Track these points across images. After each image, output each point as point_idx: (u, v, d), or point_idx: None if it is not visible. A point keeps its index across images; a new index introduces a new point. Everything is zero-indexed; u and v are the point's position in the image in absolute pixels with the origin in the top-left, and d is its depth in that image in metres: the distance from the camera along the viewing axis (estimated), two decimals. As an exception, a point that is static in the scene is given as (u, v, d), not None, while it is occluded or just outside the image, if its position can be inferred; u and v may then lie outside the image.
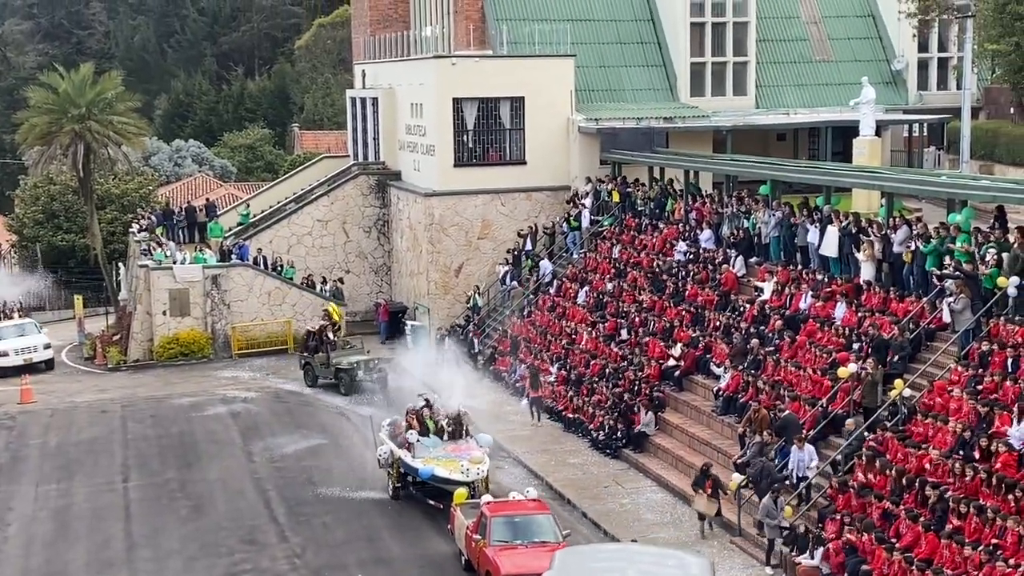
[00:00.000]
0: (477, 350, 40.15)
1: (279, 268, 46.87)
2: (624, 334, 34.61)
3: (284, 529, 26.67)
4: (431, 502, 26.61)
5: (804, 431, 24.89)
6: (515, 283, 42.36)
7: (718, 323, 31.58)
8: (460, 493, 25.27)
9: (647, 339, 33.23)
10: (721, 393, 29.01)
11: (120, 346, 45.60)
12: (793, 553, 22.31)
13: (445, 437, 27.72)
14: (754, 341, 29.22)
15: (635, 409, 30.81)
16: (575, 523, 26.08)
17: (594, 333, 35.76)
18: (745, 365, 28.86)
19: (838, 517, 22.07)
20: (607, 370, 33.37)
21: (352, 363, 37.92)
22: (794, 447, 24.33)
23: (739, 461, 25.96)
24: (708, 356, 30.84)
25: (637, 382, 31.59)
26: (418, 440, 27.37)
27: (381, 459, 28.03)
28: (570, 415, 33.08)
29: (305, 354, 39.82)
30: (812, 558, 21.87)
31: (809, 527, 22.51)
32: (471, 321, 42.29)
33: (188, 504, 28.60)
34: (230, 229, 49.63)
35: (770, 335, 29.30)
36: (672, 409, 30.82)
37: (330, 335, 39.08)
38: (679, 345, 31.77)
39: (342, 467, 30.98)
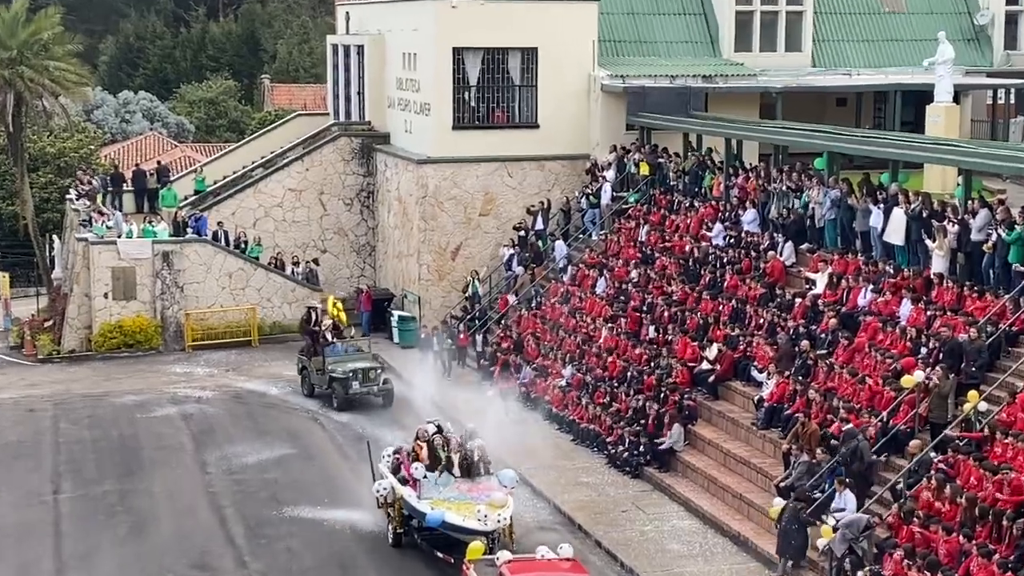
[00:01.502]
0: (480, 349, 40.18)
1: (243, 245, 46.95)
2: (650, 332, 34.64)
3: (242, 553, 26.75)
4: (439, 555, 25.19)
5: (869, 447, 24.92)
6: (520, 268, 42.41)
7: (761, 320, 31.59)
8: (475, 548, 23.50)
9: (677, 338, 33.27)
10: (763, 403, 29.04)
11: (53, 334, 45.70)
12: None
13: (458, 472, 26.39)
14: (804, 343, 29.27)
15: (661, 421, 30.88)
16: (587, 553, 26.17)
17: (615, 330, 35.81)
18: (792, 371, 28.87)
19: (899, 552, 22.12)
20: (629, 374, 33.44)
21: (348, 372, 36.77)
22: (836, 487, 24.41)
23: (782, 484, 26.02)
24: (749, 359, 30.88)
25: (664, 389, 31.65)
26: (425, 476, 26.04)
27: (380, 497, 26.77)
28: (584, 426, 33.16)
29: (302, 356, 38.92)
30: (866, 600, 21.94)
31: (866, 562, 22.56)
32: (469, 313, 42.34)
33: (129, 521, 28.70)
34: (186, 198, 49.65)
35: (823, 336, 29.33)
36: (705, 421, 30.82)
37: (328, 335, 38.18)
38: (715, 346, 31.81)
39: (313, 482, 31.07)
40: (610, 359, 34.58)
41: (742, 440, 29.36)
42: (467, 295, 43.10)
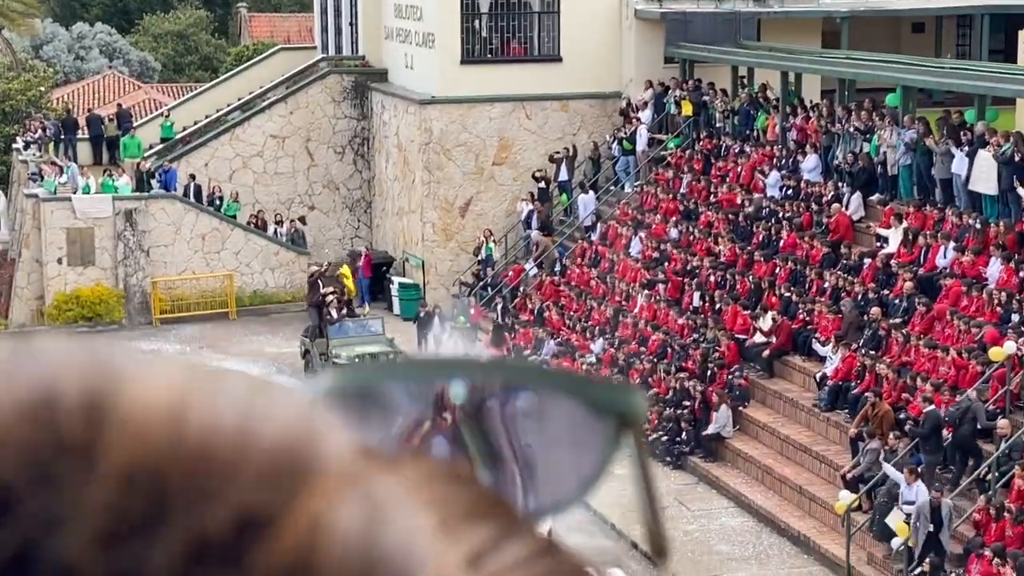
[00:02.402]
0: (497, 322, 39.90)
1: (217, 202, 47.05)
2: (694, 299, 34.68)
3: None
4: None
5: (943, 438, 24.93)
6: (536, 232, 42.36)
7: (824, 285, 31.63)
8: None
9: (725, 306, 33.29)
10: (827, 381, 29.08)
11: (-2, 306, 45.96)
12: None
13: None
14: (874, 310, 29.28)
15: (707, 402, 30.96)
16: (621, 556, 26.24)
17: (652, 297, 35.82)
18: (861, 343, 28.90)
19: (987, 552, 22.13)
20: (669, 349, 33.50)
21: (352, 358, 35.87)
22: (903, 479, 24.47)
23: (850, 475, 26.06)
24: (809, 330, 30.89)
25: (710, 365, 31.71)
26: None
27: None
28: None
29: (305, 337, 38.33)
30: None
31: (949, 566, 22.62)
32: (481, 280, 42.34)
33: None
34: (151, 147, 49.71)
35: (896, 302, 29.34)
36: (758, 402, 30.92)
37: (332, 312, 37.54)
38: (770, 315, 31.85)
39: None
40: (647, 332, 34.63)
41: (802, 424, 29.42)
42: (479, 259, 43.10)
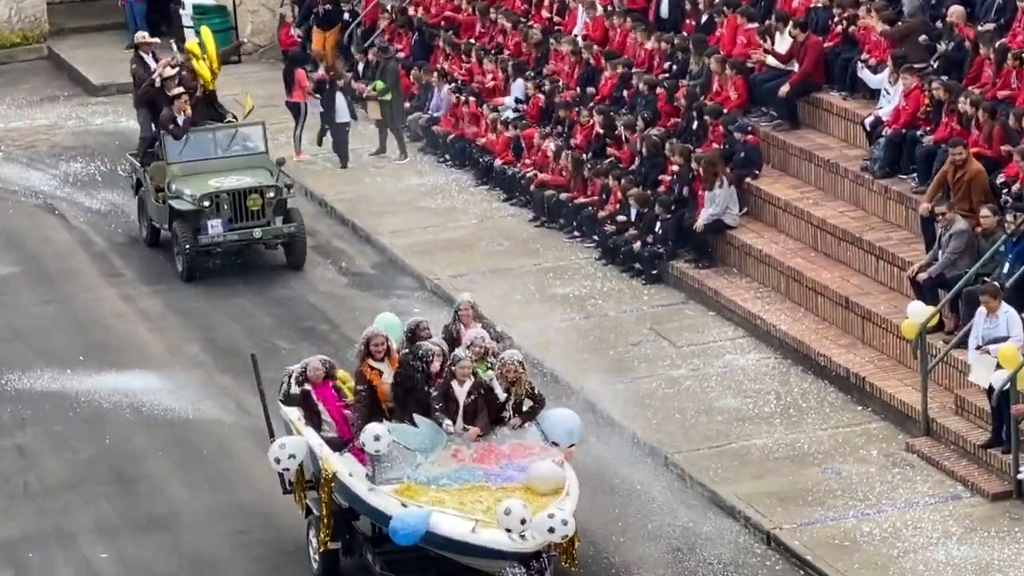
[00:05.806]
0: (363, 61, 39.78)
1: None
2: (663, 8, 34.97)
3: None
4: None
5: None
6: None
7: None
8: None
9: (718, 17, 33.57)
10: (882, 130, 29.31)
11: None
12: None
13: (459, 422, 22.74)
14: (953, 10, 29.29)
15: (693, 173, 31.16)
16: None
17: (600, 8, 35.93)
18: (933, 66, 29.16)
19: None
20: (632, 88, 33.80)
21: (205, 197, 33.44)
22: (980, 310, 24.18)
23: (923, 277, 26.28)
24: (851, 47, 31.11)
25: (697, 113, 31.95)
26: (389, 431, 22.43)
27: (286, 472, 23.76)
28: (553, 192, 33.56)
29: (135, 160, 35.53)
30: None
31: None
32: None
33: None
34: None
35: (984, -3, 29.65)
36: (776, 169, 31.35)
37: (178, 116, 33.98)
38: (788, 28, 31.97)
39: (56, 323, 31.70)
40: (597, 63, 34.83)
41: (846, 200, 29.76)
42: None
